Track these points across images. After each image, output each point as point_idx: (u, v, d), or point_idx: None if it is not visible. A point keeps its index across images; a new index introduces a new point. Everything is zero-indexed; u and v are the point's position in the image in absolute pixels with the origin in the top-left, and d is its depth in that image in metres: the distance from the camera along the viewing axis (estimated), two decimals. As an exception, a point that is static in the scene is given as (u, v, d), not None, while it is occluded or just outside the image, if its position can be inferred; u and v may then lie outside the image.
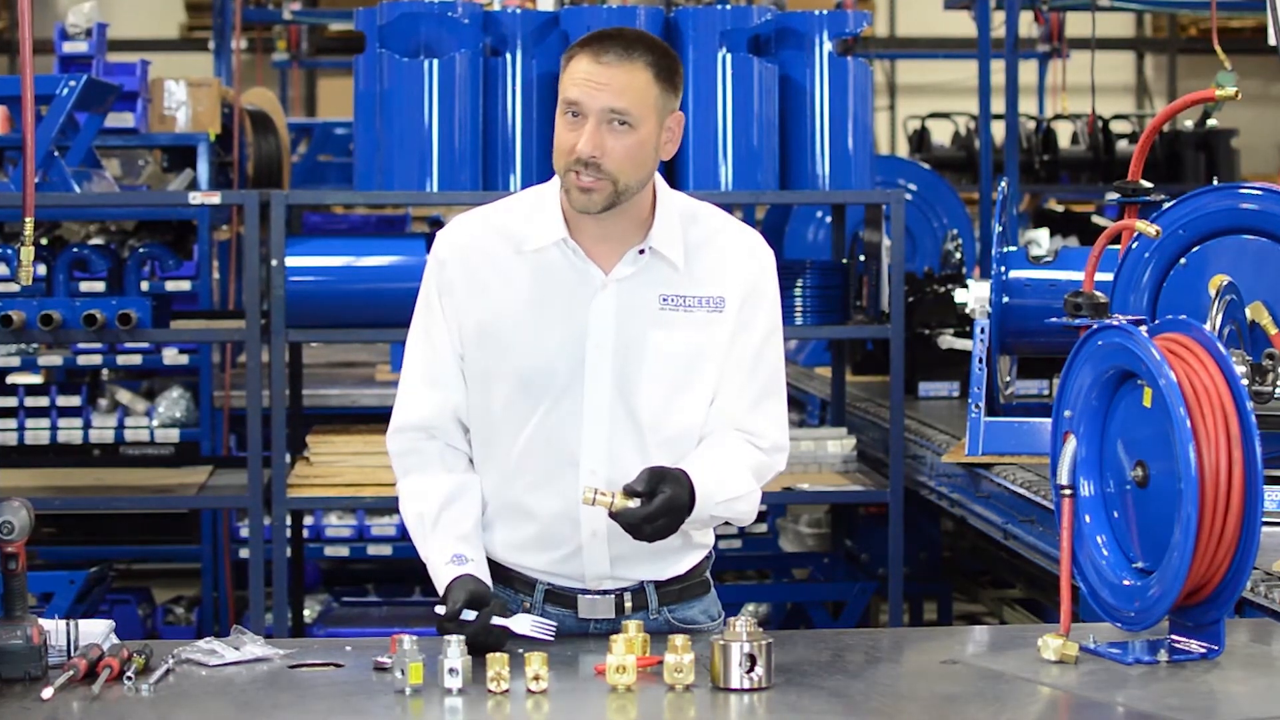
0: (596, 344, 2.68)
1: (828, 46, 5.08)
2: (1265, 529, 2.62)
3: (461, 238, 2.75)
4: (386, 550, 6.67)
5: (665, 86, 2.63)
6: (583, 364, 2.68)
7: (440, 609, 2.60)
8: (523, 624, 2.63)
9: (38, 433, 6.37)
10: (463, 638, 2.47)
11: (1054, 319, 3.26)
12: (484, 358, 2.71)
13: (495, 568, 2.76)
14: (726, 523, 2.78)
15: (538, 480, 2.72)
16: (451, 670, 2.44)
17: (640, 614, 2.75)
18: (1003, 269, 4.45)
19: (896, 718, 2.42)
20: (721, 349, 2.71)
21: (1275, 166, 12.83)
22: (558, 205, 2.71)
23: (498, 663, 2.44)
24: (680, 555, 2.78)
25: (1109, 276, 3.69)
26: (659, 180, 2.74)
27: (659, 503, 2.57)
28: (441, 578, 2.67)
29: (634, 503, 2.57)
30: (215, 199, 5.03)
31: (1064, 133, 9.68)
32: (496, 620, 2.60)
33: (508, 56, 4.98)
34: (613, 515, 2.58)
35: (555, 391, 2.68)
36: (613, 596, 2.75)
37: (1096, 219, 7.84)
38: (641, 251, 2.69)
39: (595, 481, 2.66)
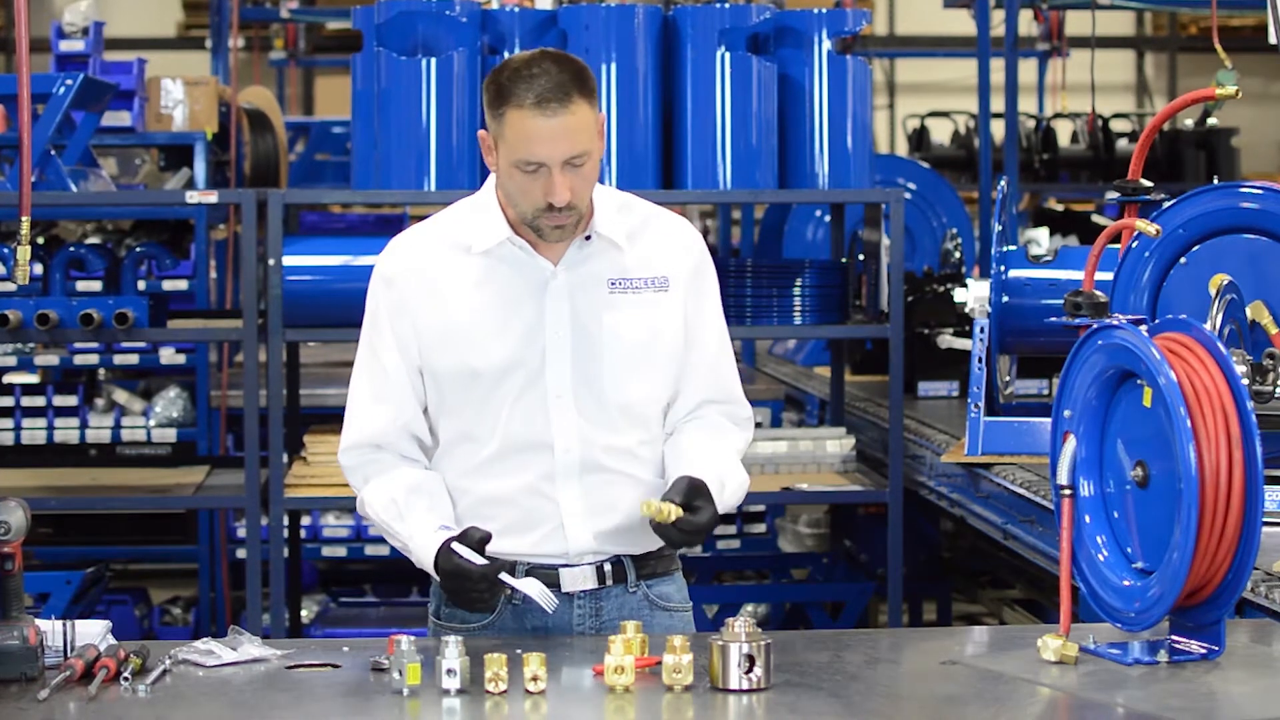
0: (554, 331, 2.79)
1: (827, 45, 5.07)
2: (1265, 529, 2.61)
3: (406, 252, 2.85)
4: (384, 551, 6.66)
5: (594, 103, 2.73)
6: (544, 352, 2.79)
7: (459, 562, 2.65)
8: (533, 587, 2.70)
9: (34, 432, 6.37)
10: (460, 638, 2.47)
11: (1054, 318, 3.26)
12: (448, 360, 2.80)
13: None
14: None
15: (514, 467, 2.81)
16: (449, 671, 2.44)
17: (619, 586, 2.85)
18: (1002, 268, 4.44)
19: (895, 718, 2.41)
20: (675, 325, 2.84)
21: (1276, 165, 12.83)
22: (497, 207, 2.81)
23: (496, 663, 2.44)
24: (650, 532, 2.84)
25: (1109, 276, 3.68)
26: None
27: (709, 516, 2.72)
28: (431, 544, 2.74)
29: (680, 513, 2.70)
30: (212, 198, 5.01)
31: (1064, 131, 9.68)
32: (507, 578, 2.68)
33: (505, 55, 4.97)
34: (674, 523, 2.68)
35: (521, 382, 2.79)
36: (593, 567, 2.83)
37: (1096, 218, 7.85)
38: (588, 238, 2.80)
39: (569, 459, 2.79)
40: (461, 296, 2.79)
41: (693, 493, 2.72)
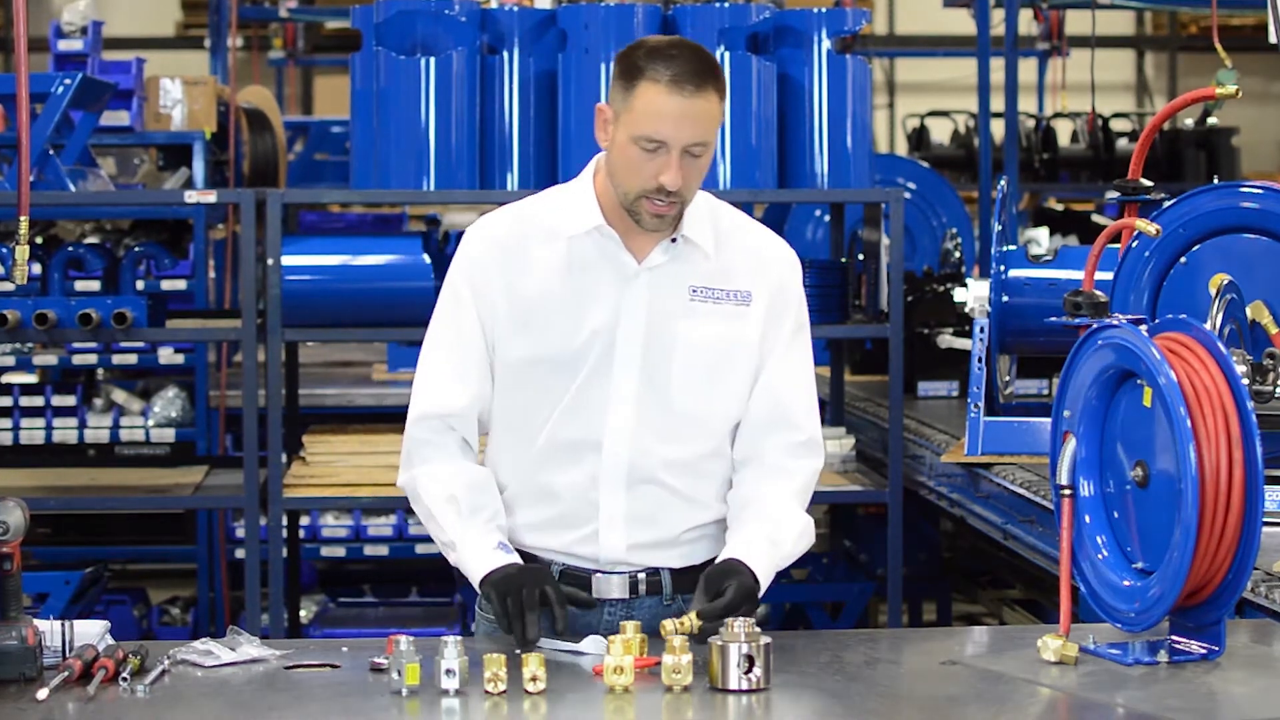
0: (627, 331, 2.73)
1: (826, 44, 5.07)
2: (1266, 529, 2.60)
3: (494, 230, 2.79)
4: (383, 550, 6.66)
5: (723, 99, 2.69)
6: (612, 349, 2.73)
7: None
8: (592, 645, 2.64)
9: (32, 432, 6.37)
10: (460, 639, 2.46)
11: (1053, 318, 3.25)
12: (517, 342, 2.76)
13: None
14: None
15: (561, 462, 2.76)
16: (448, 671, 2.43)
17: (654, 598, 2.79)
18: (1002, 268, 4.44)
19: (895, 719, 2.41)
20: (753, 343, 2.77)
21: (1276, 165, 12.83)
22: (593, 194, 2.76)
23: (494, 664, 2.44)
24: (696, 546, 2.82)
25: (1109, 275, 3.68)
26: None
27: (731, 595, 2.62)
28: (487, 561, 2.68)
29: (697, 622, 2.59)
30: (211, 198, 5.01)
31: (1064, 131, 9.67)
32: (560, 644, 2.63)
33: (505, 54, 4.97)
34: (700, 630, 2.58)
35: (584, 375, 2.74)
36: (627, 577, 2.78)
37: (1096, 218, 7.84)
38: (674, 240, 2.75)
39: (615, 464, 2.73)
40: (539, 278, 2.74)
41: (716, 580, 2.64)
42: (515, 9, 5.00)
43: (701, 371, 2.75)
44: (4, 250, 5.39)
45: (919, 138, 9.96)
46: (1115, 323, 2.58)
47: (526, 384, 2.76)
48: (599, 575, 2.78)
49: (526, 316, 2.74)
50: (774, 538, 2.73)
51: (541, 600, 2.62)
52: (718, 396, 2.76)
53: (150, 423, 6.44)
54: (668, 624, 2.56)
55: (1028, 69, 9.28)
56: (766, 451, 2.79)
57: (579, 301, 2.73)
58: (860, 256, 5.29)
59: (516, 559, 2.70)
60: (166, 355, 6.60)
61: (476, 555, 2.70)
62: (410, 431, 2.81)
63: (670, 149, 2.64)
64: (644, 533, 2.76)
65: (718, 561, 2.71)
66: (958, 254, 6.16)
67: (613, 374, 2.73)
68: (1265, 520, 2.52)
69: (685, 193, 2.68)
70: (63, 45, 5.94)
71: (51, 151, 5.05)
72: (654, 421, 2.74)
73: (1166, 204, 3.67)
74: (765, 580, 2.70)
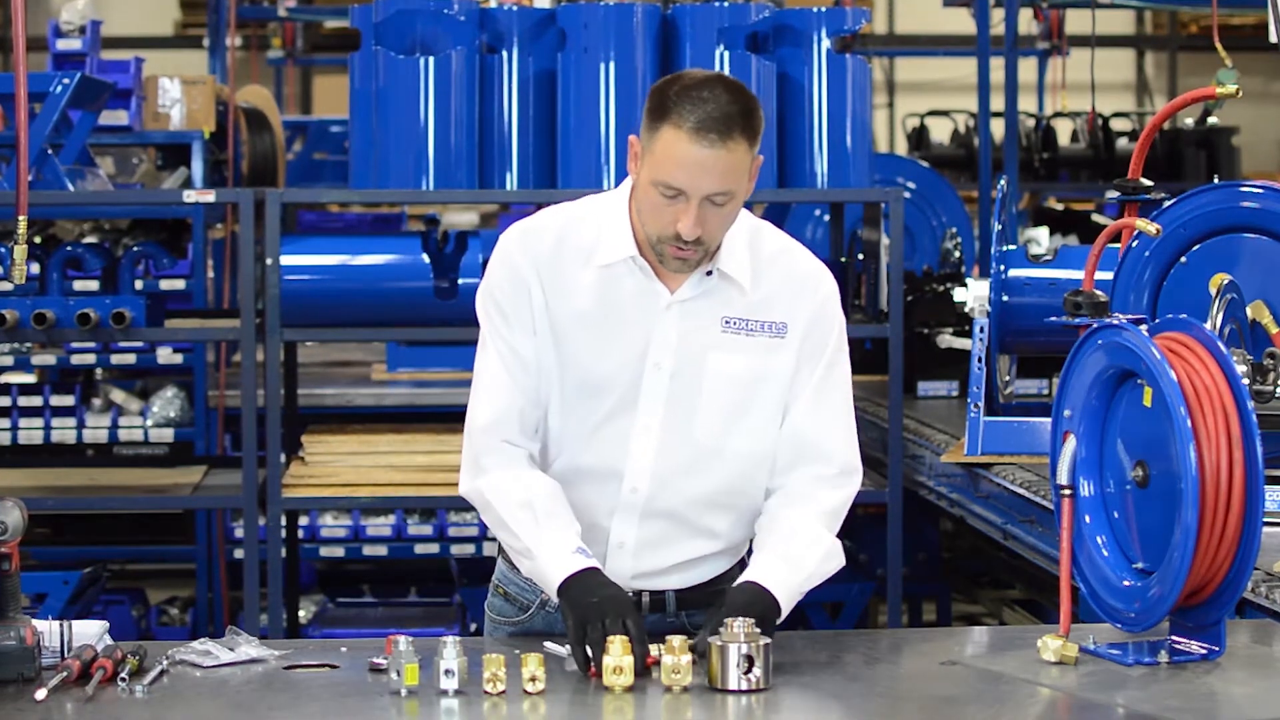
0: (655, 363, 2.68)
1: (826, 44, 5.06)
2: (1266, 529, 2.60)
3: (538, 245, 2.70)
4: (382, 551, 6.65)
5: (755, 144, 2.60)
6: (640, 380, 2.68)
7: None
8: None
9: (31, 432, 6.37)
10: (459, 639, 2.46)
11: (1054, 318, 3.24)
12: (546, 361, 2.70)
13: None
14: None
15: (578, 486, 2.72)
16: (447, 671, 2.43)
17: (656, 614, 2.76)
18: (1002, 268, 4.43)
19: (895, 719, 2.40)
20: (785, 375, 2.71)
21: (1276, 164, 12.82)
22: (627, 220, 2.69)
23: (494, 664, 2.43)
24: (702, 565, 2.79)
25: (1109, 275, 3.67)
26: None
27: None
28: (568, 566, 2.60)
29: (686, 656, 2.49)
30: (210, 197, 5.00)
31: (1064, 130, 9.67)
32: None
33: (504, 54, 4.97)
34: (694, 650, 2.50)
35: (609, 405, 2.69)
36: (630, 594, 2.72)
37: (1096, 217, 7.82)
38: (709, 273, 2.69)
39: (634, 499, 2.68)
40: (571, 303, 2.68)
41: (737, 607, 2.53)
42: (514, 8, 5.00)
43: (728, 405, 2.69)
44: (2, 250, 5.39)
45: (919, 137, 9.96)
46: (1115, 322, 2.58)
47: (556, 405, 2.70)
48: None
49: (558, 338, 2.69)
50: (797, 561, 2.66)
51: (622, 630, 2.51)
52: (742, 431, 2.71)
53: (149, 423, 6.44)
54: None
55: (1028, 68, 9.28)
56: (794, 482, 2.74)
57: (610, 329, 2.68)
58: (860, 256, 5.29)
59: (595, 563, 2.62)
60: (165, 355, 6.60)
61: (554, 559, 2.61)
62: (476, 440, 2.72)
63: (690, 198, 2.56)
64: (651, 561, 2.73)
65: (738, 584, 2.64)
66: (957, 254, 6.15)
67: (638, 405, 2.68)
68: (1265, 520, 2.52)
69: (708, 239, 2.60)
70: (61, 44, 5.93)
71: (50, 151, 5.04)
72: (676, 454, 2.69)
73: (1167, 204, 3.66)
74: (787, 604, 2.63)
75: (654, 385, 2.68)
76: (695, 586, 2.78)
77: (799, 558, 2.67)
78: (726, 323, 2.69)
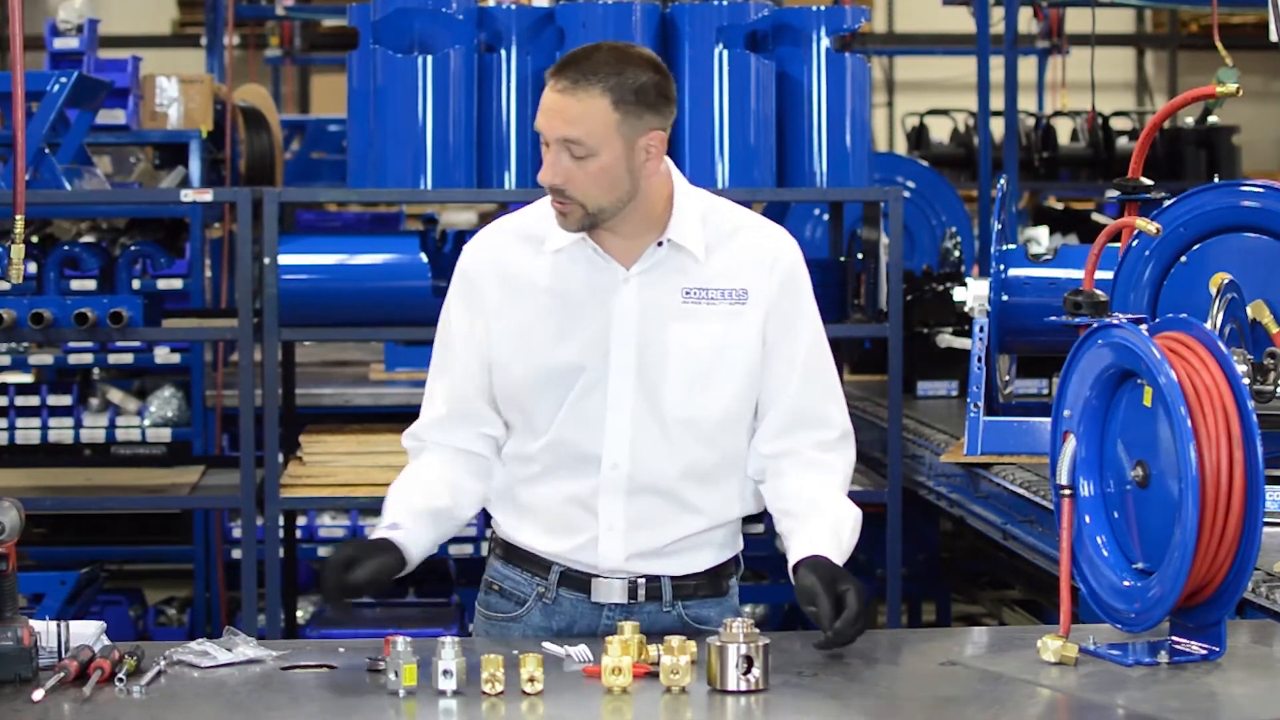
0: (620, 338, 2.72)
1: (825, 43, 5.05)
2: (1266, 529, 2.60)
3: (486, 248, 2.80)
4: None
5: (630, 110, 2.64)
6: (607, 358, 2.72)
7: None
8: (581, 653, 2.59)
9: (28, 432, 6.36)
10: (458, 639, 2.46)
11: (1053, 317, 3.24)
12: (515, 358, 2.75)
13: (513, 550, 2.83)
14: None
15: (561, 472, 2.76)
16: (446, 672, 2.43)
17: (653, 604, 2.78)
18: (1002, 267, 4.43)
19: (895, 719, 2.40)
20: (750, 341, 2.73)
21: (1277, 164, 12.82)
22: None
23: (492, 664, 2.43)
24: (698, 554, 2.81)
25: (1109, 275, 3.67)
26: (676, 176, 2.77)
27: (854, 602, 2.56)
28: (375, 532, 2.75)
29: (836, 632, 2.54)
30: (207, 196, 4.99)
31: (1064, 130, 9.66)
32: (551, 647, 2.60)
33: (502, 53, 4.96)
34: (833, 640, 2.54)
35: (581, 386, 2.72)
36: (626, 582, 2.78)
37: (1096, 216, 7.82)
38: (660, 244, 2.72)
39: (615, 476, 2.72)
40: (531, 293, 2.74)
41: (829, 585, 2.57)
42: (513, 7, 4.99)
43: (697, 374, 2.72)
44: (0, 249, 5.38)
45: (918, 136, 9.95)
46: (1115, 322, 2.57)
47: (527, 395, 2.75)
48: (598, 579, 2.78)
49: (522, 331, 2.74)
50: (839, 534, 2.71)
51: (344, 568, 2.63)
52: (714, 399, 2.74)
53: (146, 422, 6.43)
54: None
55: (1027, 67, 9.27)
56: (801, 449, 2.78)
57: (571, 312, 2.72)
58: (859, 256, 5.28)
59: (392, 535, 2.72)
60: (163, 355, 6.59)
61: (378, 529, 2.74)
62: (418, 429, 2.85)
63: (547, 141, 2.65)
64: (643, 541, 2.75)
65: (804, 559, 2.63)
66: (957, 253, 6.15)
67: (608, 382, 2.71)
68: (1266, 520, 2.51)
69: (576, 194, 2.65)
70: (58, 43, 5.92)
71: (47, 150, 5.03)
72: (651, 428, 2.72)
73: (1167, 203, 3.66)
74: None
75: (621, 361, 2.71)
76: (690, 576, 2.79)
77: (841, 534, 2.71)
78: (686, 293, 2.73)
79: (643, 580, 2.78)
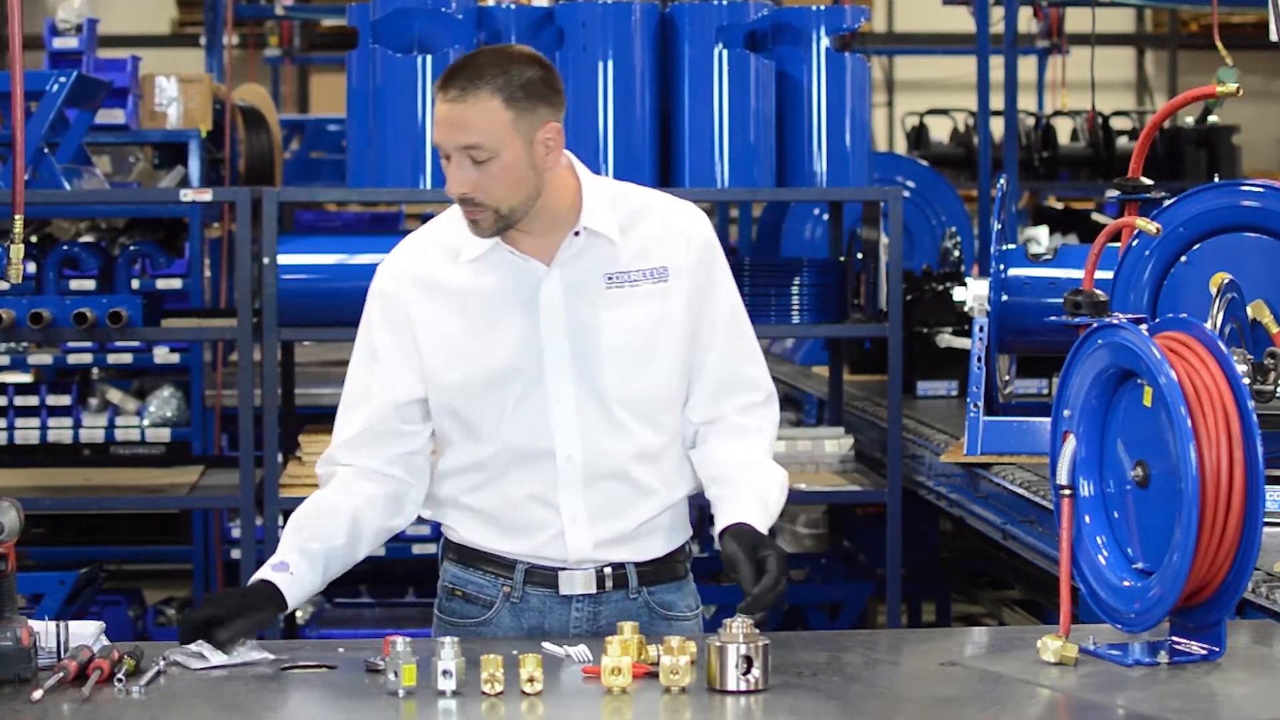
0: (550, 333, 2.73)
1: (825, 42, 5.05)
2: (1267, 529, 2.60)
3: (403, 265, 2.81)
4: (380, 551, 6.60)
5: (522, 107, 2.64)
6: (541, 356, 2.73)
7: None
8: (580, 653, 2.60)
9: (27, 432, 6.35)
10: (457, 640, 2.46)
11: (1053, 317, 3.24)
12: (447, 369, 2.76)
13: (475, 554, 2.83)
14: None
15: (516, 473, 2.77)
16: (445, 672, 2.42)
17: (620, 592, 2.81)
18: (1001, 267, 4.43)
19: (895, 719, 2.40)
20: (677, 317, 2.76)
21: (1277, 163, 12.82)
22: None
23: (492, 664, 2.43)
24: (653, 538, 2.83)
25: (1109, 274, 3.66)
26: (579, 169, 2.79)
27: (778, 562, 2.61)
28: (260, 575, 2.73)
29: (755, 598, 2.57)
30: (206, 196, 4.99)
31: (1064, 129, 9.66)
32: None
33: (502, 53, 4.95)
34: (754, 604, 2.56)
35: (520, 386, 2.74)
36: (593, 572, 2.79)
37: (1096, 216, 7.82)
38: (577, 234, 2.74)
39: (571, 468, 2.74)
40: (454, 302, 2.75)
41: (750, 551, 2.63)
42: (512, 6, 4.99)
43: (632, 358, 2.75)
44: (-1, 249, 5.38)
45: (918, 136, 9.95)
46: (1115, 322, 2.57)
47: (467, 404, 2.76)
48: (564, 572, 2.79)
49: (450, 341, 2.75)
50: (765, 500, 2.76)
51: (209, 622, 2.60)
52: (653, 377, 2.76)
53: (145, 422, 6.42)
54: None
55: (1027, 67, 9.27)
56: (727, 414, 2.82)
57: (498, 316, 2.73)
58: (859, 255, 5.28)
59: (282, 579, 2.70)
60: (162, 355, 6.59)
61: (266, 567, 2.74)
62: (332, 451, 2.87)
63: (447, 154, 2.65)
64: (608, 528, 2.77)
65: (728, 527, 2.68)
66: (957, 253, 6.15)
67: (546, 380, 2.73)
68: (1266, 520, 2.51)
69: (488, 200, 2.66)
70: (58, 43, 5.91)
71: (46, 150, 5.03)
72: (598, 417, 2.74)
73: (1167, 203, 3.66)
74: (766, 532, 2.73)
75: (556, 356, 2.73)
76: (653, 561, 2.82)
77: (768, 500, 2.76)
78: (609, 279, 2.75)
79: (609, 569, 2.79)
